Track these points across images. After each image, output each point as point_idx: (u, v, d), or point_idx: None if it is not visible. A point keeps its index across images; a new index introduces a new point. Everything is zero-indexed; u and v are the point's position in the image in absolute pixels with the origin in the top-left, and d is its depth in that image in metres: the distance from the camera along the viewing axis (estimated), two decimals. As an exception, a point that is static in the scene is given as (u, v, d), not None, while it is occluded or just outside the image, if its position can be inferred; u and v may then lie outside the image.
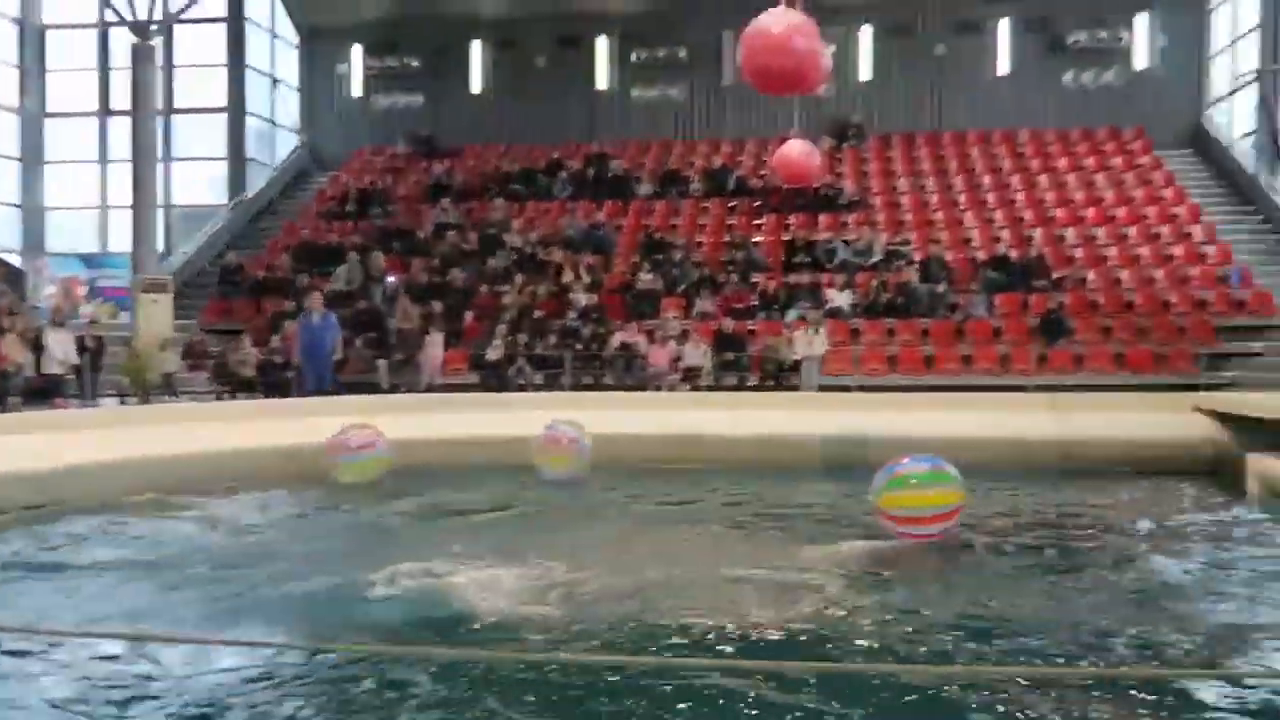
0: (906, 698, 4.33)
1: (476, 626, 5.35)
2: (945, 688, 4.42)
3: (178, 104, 25.42)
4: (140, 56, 19.57)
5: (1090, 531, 8.13)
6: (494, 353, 16.79)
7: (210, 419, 11.80)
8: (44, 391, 15.07)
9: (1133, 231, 20.36)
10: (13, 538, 7.88)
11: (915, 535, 6.78)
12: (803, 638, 5.19)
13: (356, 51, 26.46)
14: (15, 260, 23.27)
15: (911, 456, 7.04)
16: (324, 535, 8.34)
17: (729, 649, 5.02)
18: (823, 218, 21.43)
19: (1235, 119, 23.28)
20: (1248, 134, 22.63)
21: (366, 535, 8.19)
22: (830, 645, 5.07)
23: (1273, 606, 5.86)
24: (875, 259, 19.45)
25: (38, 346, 15.28)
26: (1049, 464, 11.29)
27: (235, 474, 10.41)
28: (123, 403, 15.24)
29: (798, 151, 12.89)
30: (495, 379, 16.53)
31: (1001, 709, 4.21)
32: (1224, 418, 11.12)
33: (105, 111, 25.65)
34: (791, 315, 17.55)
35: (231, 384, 16.12)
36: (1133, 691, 4.39)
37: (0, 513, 8.68)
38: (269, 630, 5.66)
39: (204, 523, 8.49)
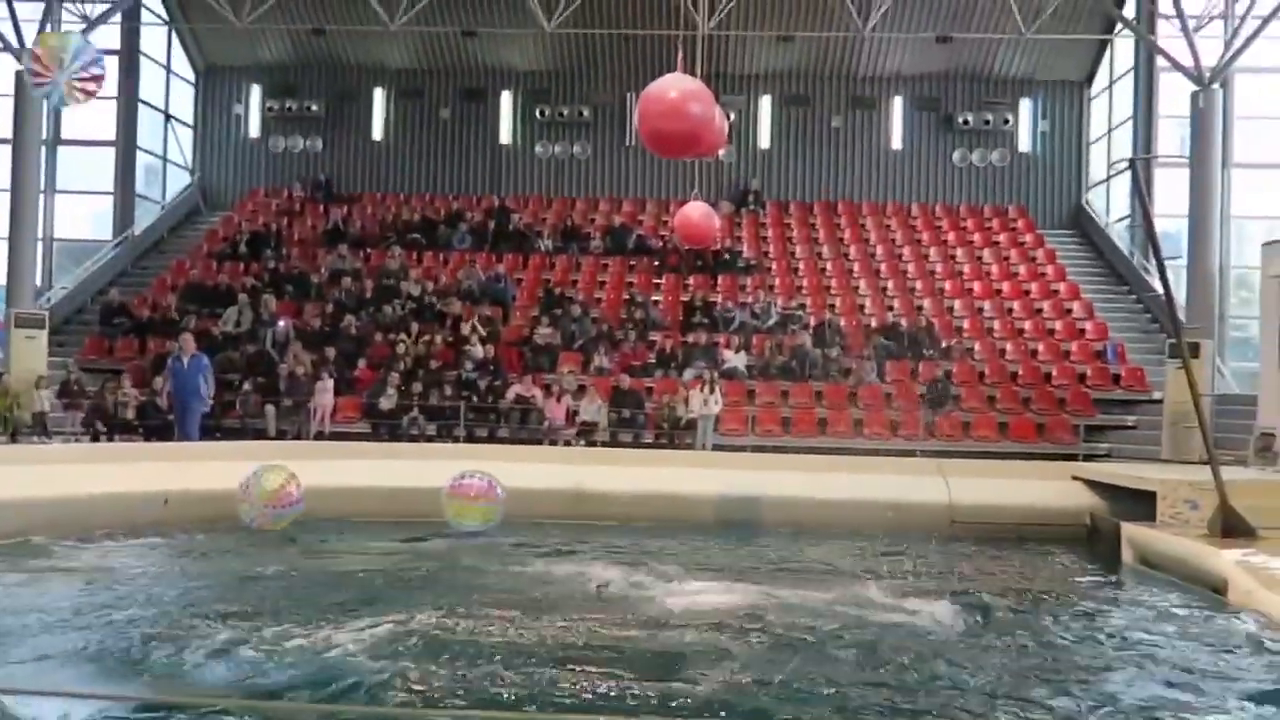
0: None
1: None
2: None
3: (64, 135, 24.57)
4: (24, 84, 18.91)
5: (977, 595, 8.27)
6: (387, 402, 16.50)
7: (84, 461, 11.28)
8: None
9: (1017, 305, 21.12)
10: None
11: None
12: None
13: (255, 92, 26.05)
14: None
15: None
16: (200, 583, 8.01)
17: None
18: (721, 280, 21.71)
19: (1112, 202, 24.45)
20: (1122, 218, 23.77)
21: (244, 586, 7.88)
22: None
23: (1137, 669, 6.05)
24: (771, 322, 19.75)
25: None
26: (937, 528, 11.53)
27: (108, 520, 9.98)
28: (-11, 441, 14.50)
29: (698, 214, 13.09)
30: (388, 429, 16.22)
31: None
32: (1100, 487, 11.52)
33: (-15, 139, 24.66)
34: (689, 374, 17.67)
35: (109, 426, 15.48)
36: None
37: None
38: (117, 682, 5.38)
39: (69, 569, 8.08)
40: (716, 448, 15.63)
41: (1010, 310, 21.00)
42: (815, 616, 7.03)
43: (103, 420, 15.59)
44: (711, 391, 16.06)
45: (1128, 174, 22.82)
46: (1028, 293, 21.64)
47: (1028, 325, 20.43)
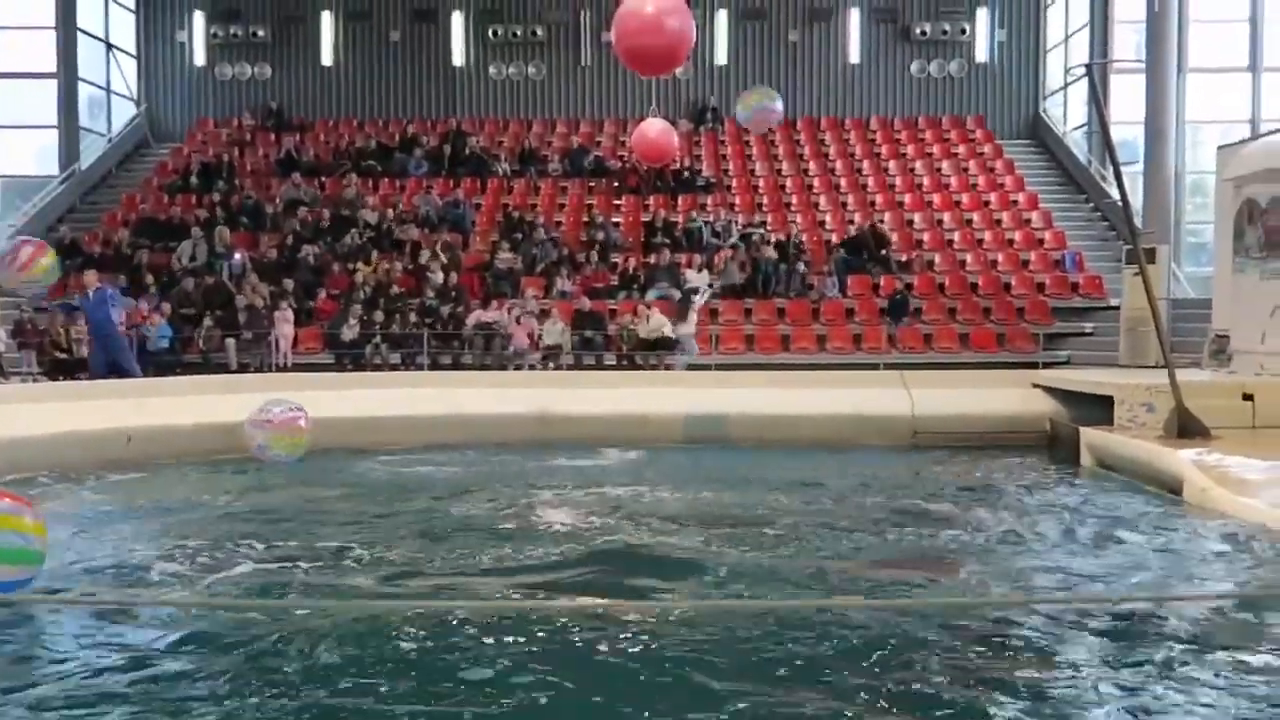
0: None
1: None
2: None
3: (3, 68, 23.82)
4: (-41, 15, 18.30)
5: (944, 501, 8.43)
6: (349, 332, 16.38)
7: (43, 400, 11.14)
8: None
9: (976, 217, 21.19)
10: None
11: None
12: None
13: (199, 18, 25.31)
14: None
15: None
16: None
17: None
18: (681, 199, 21.59)
19: (1070, 111, 24.44)
20: (1079, 126, 23.80)
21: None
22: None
23: (1093, 556, 6.27)
24: (732, 240, 19.72)
25: None
26: (900, 440, 11.70)
27: (71, 459, 9.91)
28: (-57, 384, 14.26)
29: (656, 131, 12.90)
30: (351, 359, 16.13)
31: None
32: (1059, 393, 11.71)
33: (-80, 74, 23.88)
34: (651, 294, 17.65)
35: (63, 365, 15.26)
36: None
37: None
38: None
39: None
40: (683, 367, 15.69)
41: (970, 221, 21.08)
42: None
43: (56, 359, 15.35)
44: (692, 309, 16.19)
45: (1084, 81, 22.77)
46: (987, 204, 21.70)
47: (987, 236, 20.54)
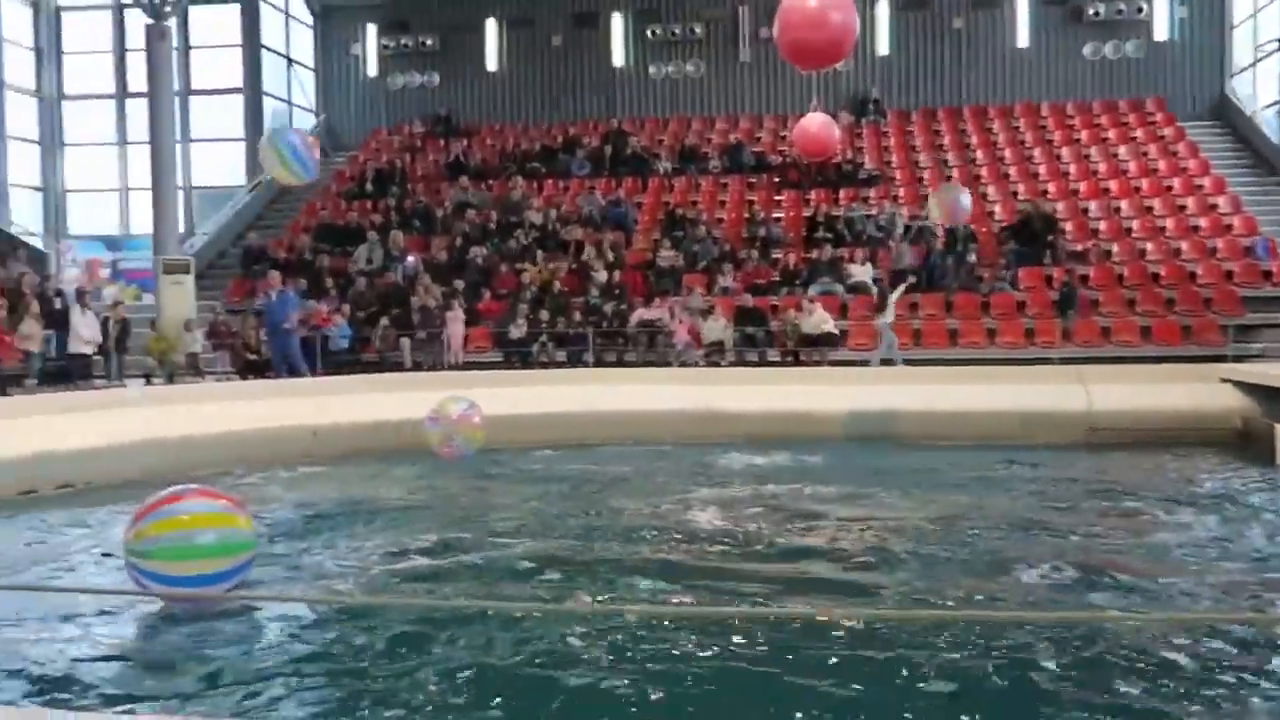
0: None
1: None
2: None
3: (195, 85, 25.42)
4: (155, 37, 19.55)
5: (1127, 499, 8.10)
6: (517, 331, 16.80)
7: (237, 398, 11.83)
8: (65, 373, 15.16)
9: (1157, 204, 20.18)
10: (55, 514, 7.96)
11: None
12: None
13: (371, 31, 26.39)
14: (37, 243, 23.33)
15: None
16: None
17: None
18: (843, 193, 21.31)
19: (1259, 88, 23.01)
20: (1271, 104, 22.38)
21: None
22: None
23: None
24: (897, 233, 19.34)
25: (63, 327, 15.38)
26: (1075, 437, 11.28)
27: (261, 453, 10.49)
28: (149, 383, 15.30)
29: (817, 125, 12.76)
30: (519, 357, 16.55)
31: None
32: (1251, 388, 11.07)
33: (123, 93, 25.66)
34: (814, 290, 17.49)
35: (254, 364, 16.15)
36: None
37: (32, 491, 8.78)
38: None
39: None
40: (845, 363, 15.49)
41: (1150, 208, 20.09)
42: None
43: (246, 359, 16.26)
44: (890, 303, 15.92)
45: (1276, 56, 21.49)
46: (1169, 189, 20.63)
47: (1169, 223, 19.52)
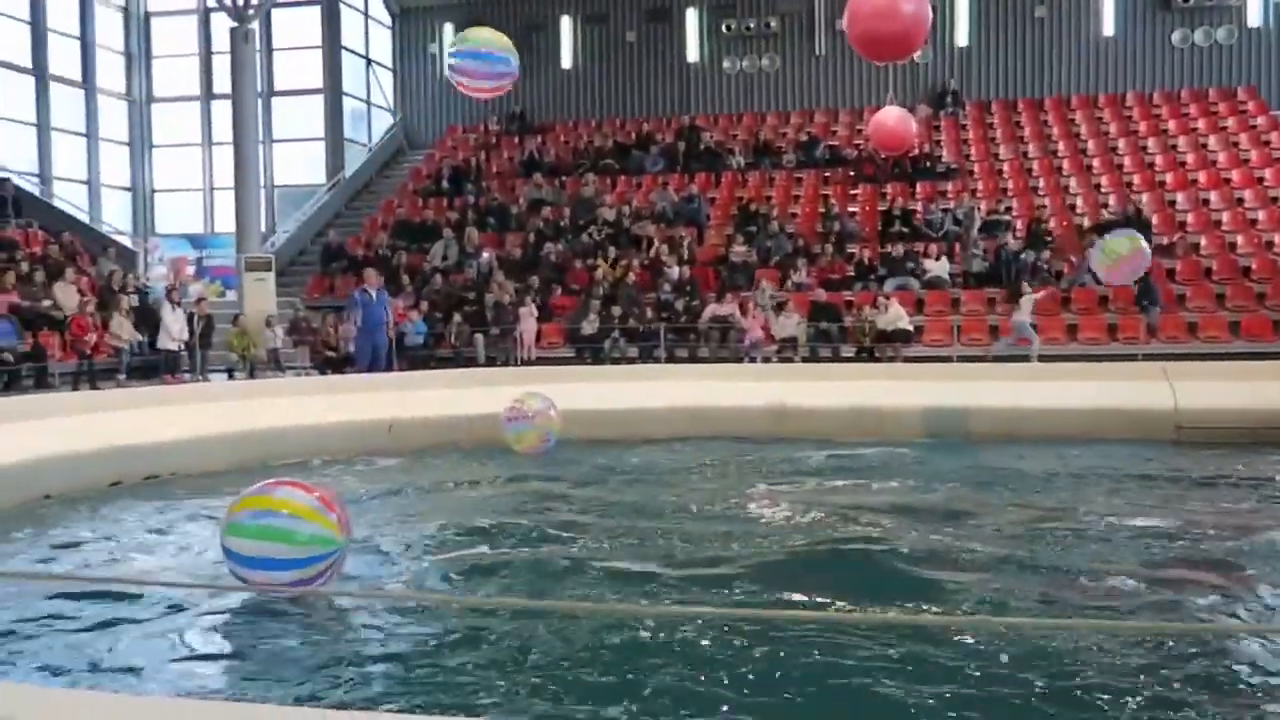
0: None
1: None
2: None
3: (277, 86, 25.97)
4: (239, 40, 20.00)
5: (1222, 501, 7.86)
6: (589, 326, 16.85)
7: (317, 393, 12.04)
8: (153, 367, 15.61)
9: (1248, 195, 19.55)
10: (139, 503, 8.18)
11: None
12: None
13: (448, 30, 26.66)
14: (126, 241, 24.04)
15: None
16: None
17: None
18: (919, 187, 21.00)
19: (1358, 75, 22.15)
20: (1371, 91, 21.53)
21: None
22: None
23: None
24: (975, 228, 19.00)
25: (152, 324, 15.84)
26: (1162, 435, 10.96)
27: (340, 446, 10.67)
28: (231, 378, 15.67)
29: (894, 118, 12.62)
30: (590, 352, 16.61)
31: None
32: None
33: (208, 95, 26.31)
34: (889, 285, 17.28)
35: (332, 360, 16.45)
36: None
37: (118, 483, 9.03)
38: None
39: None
40: (920, 359, 15.26)
41: (1240, 200, 19.46)
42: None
43: (325, 355, 16.57)
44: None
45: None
46: (1260, 180, 19.96)
47: (1261, 215, 18.90)
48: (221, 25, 21.98)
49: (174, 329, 15.66)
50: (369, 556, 6.38)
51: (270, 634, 4.97)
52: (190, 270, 25.02)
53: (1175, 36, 23.31)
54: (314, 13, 25.55)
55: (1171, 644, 4.44)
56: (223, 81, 22.92)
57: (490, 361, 16.54)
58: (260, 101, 22.75)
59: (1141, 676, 4.15)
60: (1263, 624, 4.84)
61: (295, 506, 5.21)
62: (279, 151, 26.15)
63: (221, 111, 24.56)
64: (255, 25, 20.53)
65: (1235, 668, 4.26)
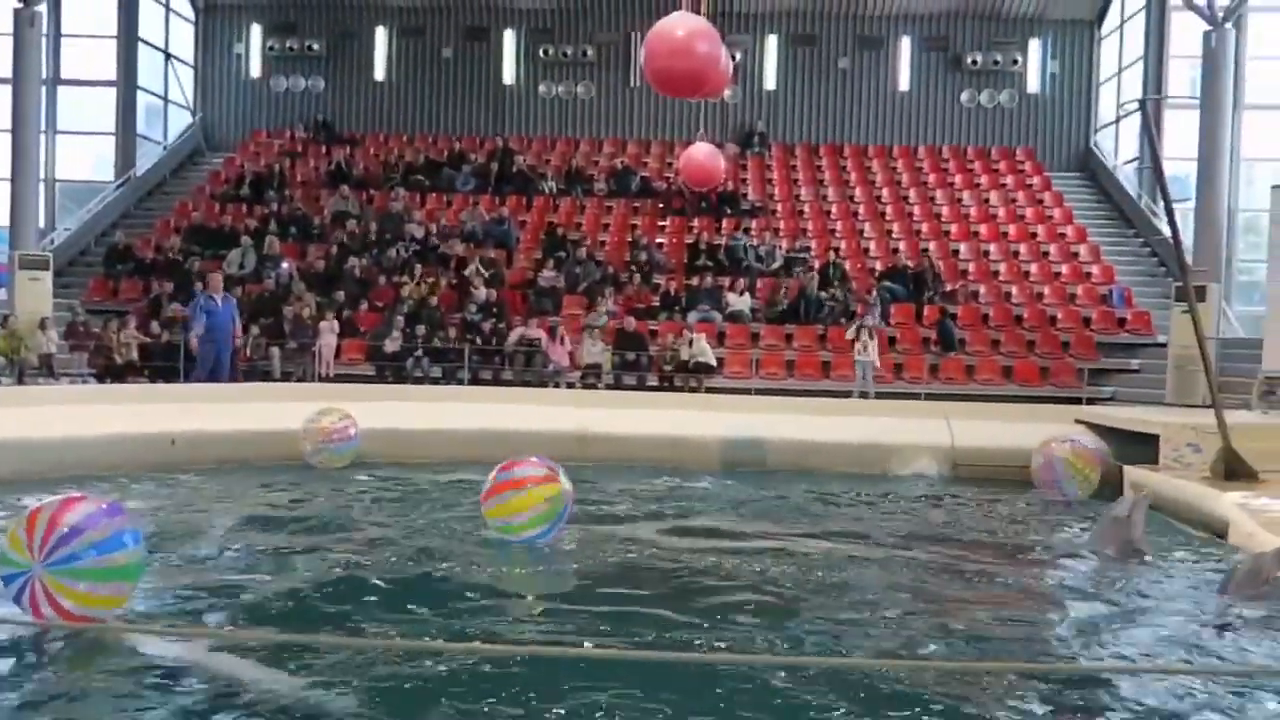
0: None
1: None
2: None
3: (64, 74, 24.37)
4: (23, 22, 18.73)
5: (980, 539, 8.34)
6: (392, 344, 16.51)
7: (91, 401, 11.33)
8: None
9: (1023, 249, 21.02)
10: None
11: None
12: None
13: (255, 31, 25.75)
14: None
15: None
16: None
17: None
18: (725, 222, 21.61)
19: (1121, 145, 24.22)
20: (1130, 160, 23.57)
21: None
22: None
23: (1138, 610, 6.08)
24: (776, 264, 19.70)
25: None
26: (940, 470, 11.61)
27: (116, 460, 10.06)
28: (-4, 383, 14.55)
29: (703, 154, 12.98)
30: (392, 371, 16.26)
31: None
32: (1103, 430, 11.56)
33: (-15, 78, 24.44)
34: (693, 317, 17.67)
35: (112, 368, 15.52)
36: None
37: None
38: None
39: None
40: (719, 390, 15.66)
41: (1016, 253, 20.91)
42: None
43: (106, 362, 15.62)
44: (872, 339, 16.03)
45: (1137, 115, 22.59)
46: (1034, 235, 21.52)
47: (1034, 268, 20.36)
48: (4, 5, 20.49)
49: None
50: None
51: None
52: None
53: (964, 96, 24.91)
54: (109, 0, 24.15)
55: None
56: (2, 64, 21.37)
57: (286, 376, 15.96)
58: (44, 89, 21.28)
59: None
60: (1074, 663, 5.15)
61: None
62: (63, 144, 24.50)
63: (-1, 96, 22.85)
64: (43, 8, 19.29)
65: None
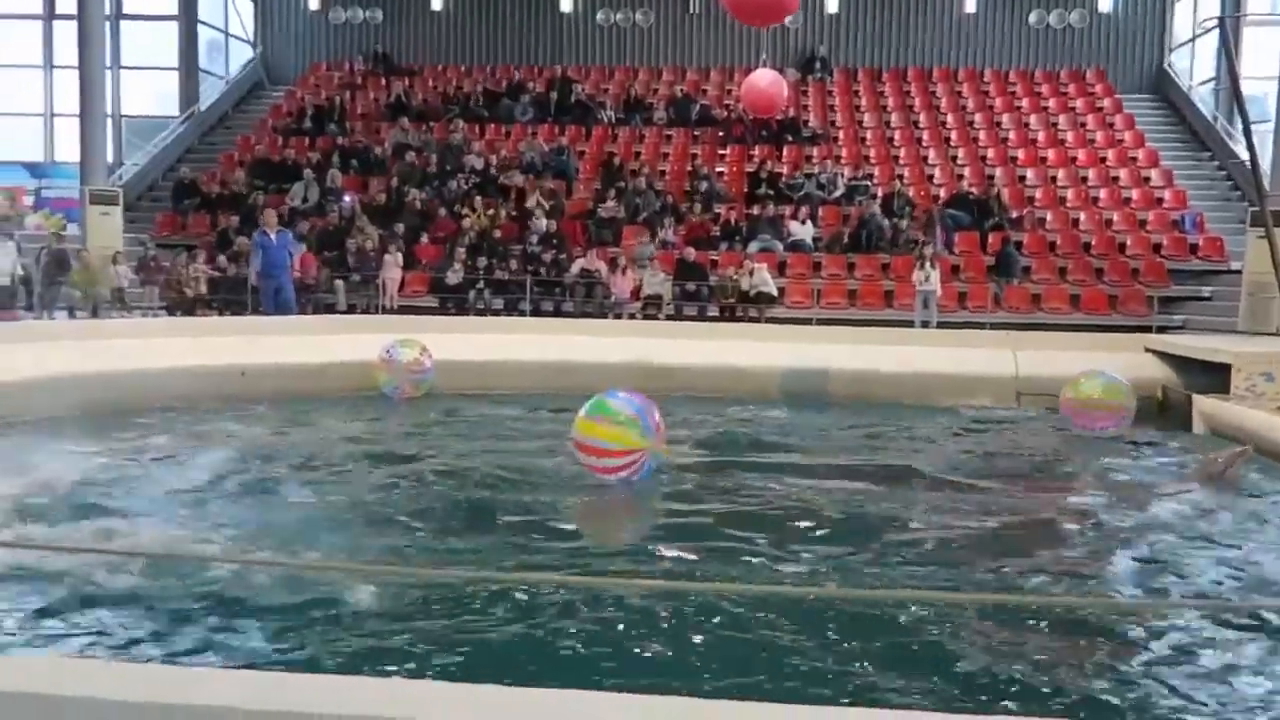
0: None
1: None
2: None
3: (126, 9, 24.56)
4: (85, -42, 18.83)
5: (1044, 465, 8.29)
6: (454, 276, 16.64)
7: (164, 335, 11.59)
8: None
9: (1092, 174, 20.53)
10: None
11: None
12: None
13: (313, -39, 25.71)
14: (-44, 167, 22.59)
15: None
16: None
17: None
18: (786, 150, 21.34)
19: (1197, 65, 23.41)
20: (1206, 80, 22.79)
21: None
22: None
23: (1206, 540, 6.02)
24: (838, 193, 19.45)
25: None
26: (1003, 399, 11.50)
27: (188, 391, 10.30)
28: (73, 316, 14.94)
29: (765, 81, 12.78)
30: (454, 303, 16.42)
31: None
32: (1172, 359, 11.35)
33: (50, 14, 24.72)
34: (753, 247, 17.56)
35: (183, 301, 15.85)
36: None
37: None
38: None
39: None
40: (781, 320, 15.60)
41: (1085, 179, 20.43)
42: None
43: (176, 295, 15.95)
44: (933, 266, 15.85)
45: (1214, 33, 21.82)
46: (1104, 160, 20.98)
47: (1103, 194, 19.89)
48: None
49: (4, 263, 14.79)
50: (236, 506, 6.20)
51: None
52: (27, 200, 23.61)
53: (1032, 17, 24.19)
54: (169, -66, 24.23)
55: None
56: (67, 1, 21.56)
57: (351, 308, 16.19)
58: (108, 25, 21.49)
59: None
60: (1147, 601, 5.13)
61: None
62: (127, 79, 24.79)
63: (65, 33, 23.10)
64: (105, -57, 19.38)
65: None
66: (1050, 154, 21.25)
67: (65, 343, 10.48)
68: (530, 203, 18.63)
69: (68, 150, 22.79)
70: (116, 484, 6.80)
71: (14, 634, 4.23)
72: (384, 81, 24.37)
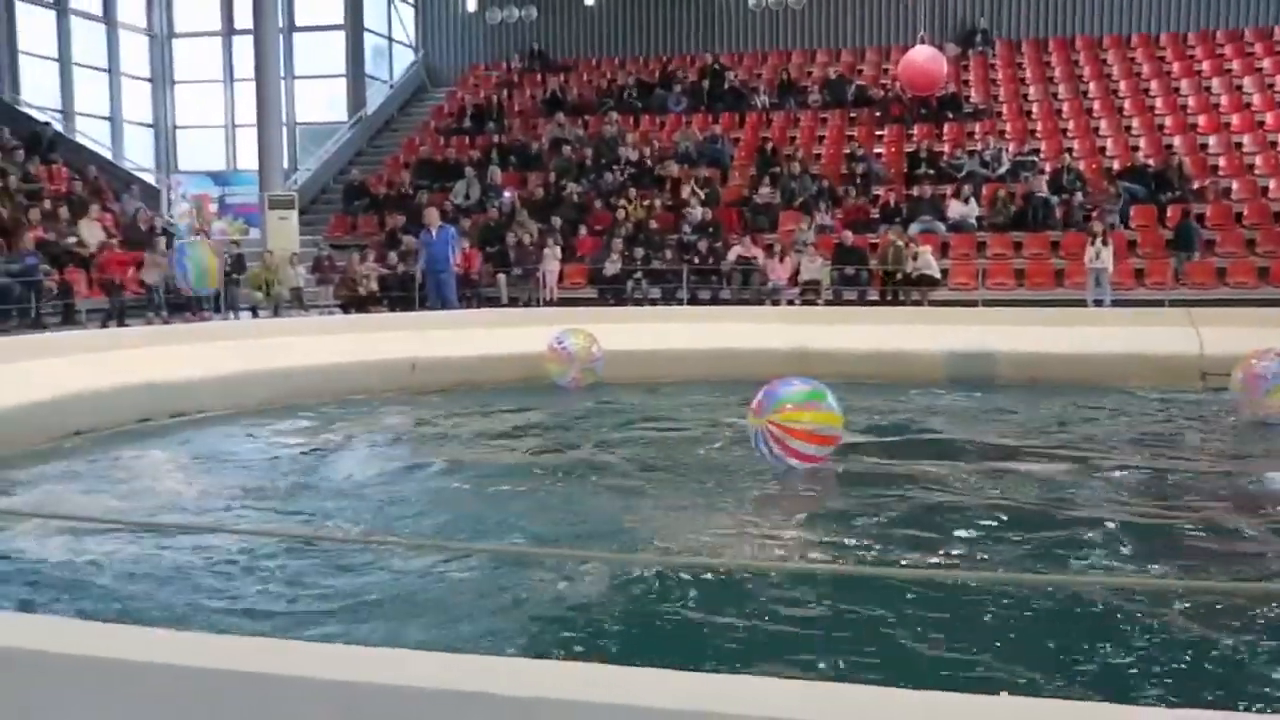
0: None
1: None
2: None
3: (298, 22, 25.73)
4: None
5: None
6: (611, 267, 16.82)
7: (341, 331, 12.09)
8: (181, 306, 15.69)
9: (1281, 138, 19.22)
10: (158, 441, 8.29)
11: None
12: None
13: (472, -35, 26.34)
14: (148, 178, 24.04)
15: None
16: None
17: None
18: (947, 128, 20.73)
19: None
20: None
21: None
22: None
23: None
24: (1002, 169, 18.79)
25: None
26: (1189, 382, 10.90)
27: (362, 385, 10.73)
28: (255, 316, 15.74)
29: (925, 57, 12.46)
30: (613, 294, 16.59)
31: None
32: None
33: (229, 30, 26.11)
34: (914, 228, 17.15)
35: (355, 299, 16.48)
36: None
37: (147, 419, 9.13)
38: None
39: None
40: (945, 303, 15.18)
41: (1275, 144, 19.14)
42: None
43: (349, 293, 16.60)
44: (1105, 243, 15.38)
45: None
46: (1295, 123, 19.61)
47: (1294, 160, 18.61)
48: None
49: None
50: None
51: (301, 573, 5.01)
52: (213, 208, 25.03)
53: (1213, -26, 22.78)
54: (334, -53, 25.24)
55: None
56: (244, 17, 22.72)
57: (513, 302, 16.56)
58: (281, 37, 22.55)
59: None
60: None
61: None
62: (300, 88, 25.98)
63: (243, 47, 24.37)
64: (276, -41, 20.31)
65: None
66: (1235, 119, 19.98)
67: (248, 341, 11.05)
68: (685, 192, 18.65)
69: (247, 158, 24.03)
70: (318, 469, 7.19)
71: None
72: (540, 78, 24.80)
